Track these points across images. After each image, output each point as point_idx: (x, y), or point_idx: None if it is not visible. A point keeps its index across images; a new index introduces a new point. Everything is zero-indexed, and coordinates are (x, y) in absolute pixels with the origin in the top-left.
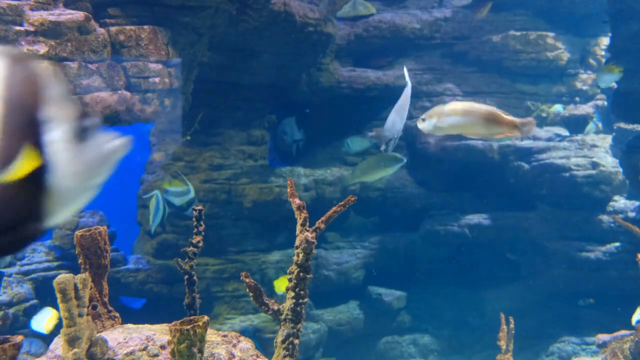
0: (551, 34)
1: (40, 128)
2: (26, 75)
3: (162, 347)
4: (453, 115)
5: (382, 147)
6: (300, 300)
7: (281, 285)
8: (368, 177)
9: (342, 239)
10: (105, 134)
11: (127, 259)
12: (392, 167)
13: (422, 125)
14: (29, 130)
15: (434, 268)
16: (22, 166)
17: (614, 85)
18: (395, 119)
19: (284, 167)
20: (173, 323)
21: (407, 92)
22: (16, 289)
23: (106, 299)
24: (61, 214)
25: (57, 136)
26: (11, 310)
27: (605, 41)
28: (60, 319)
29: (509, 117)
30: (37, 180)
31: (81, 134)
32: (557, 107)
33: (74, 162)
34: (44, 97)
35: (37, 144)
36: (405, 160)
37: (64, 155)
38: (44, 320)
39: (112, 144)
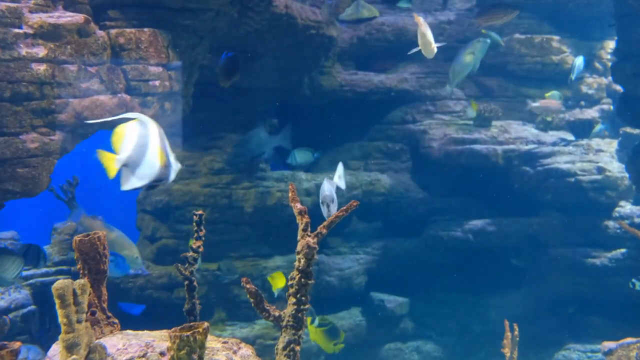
0: (556, 37)
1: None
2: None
3: (162, 353)
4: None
5: (325, 205)
6: (302, 307)
7: (276, 282)
8: (463, 73)
9: (344, 245)
10: None
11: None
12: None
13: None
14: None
15: (437, 274)
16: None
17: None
18: (330, 187)
19: (286, 171)
20: (173, 329)
21: (341, 185)
22: (14, 294)
23: (105, 305)
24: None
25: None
26: (9, 317)
27: (611, 45)
28: None
29: None
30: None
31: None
32: (554, 93)
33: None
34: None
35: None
36: (488, 41)
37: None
38: None
39: None
